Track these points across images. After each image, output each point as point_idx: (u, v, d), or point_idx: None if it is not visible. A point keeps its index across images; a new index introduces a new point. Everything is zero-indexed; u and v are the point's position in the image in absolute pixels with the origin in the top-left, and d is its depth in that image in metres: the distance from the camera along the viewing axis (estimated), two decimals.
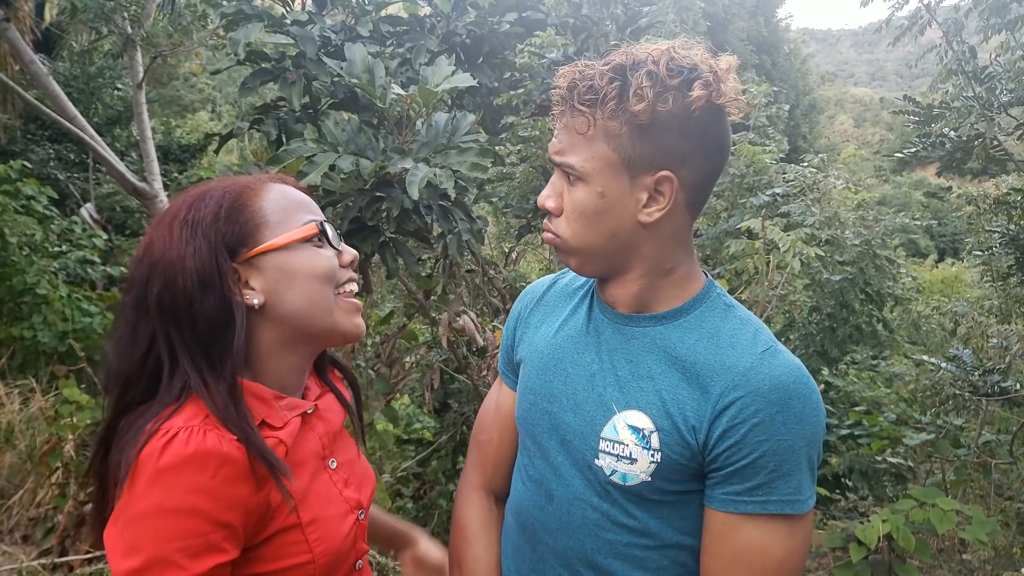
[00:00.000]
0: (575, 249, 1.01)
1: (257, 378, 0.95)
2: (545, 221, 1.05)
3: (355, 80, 2.47)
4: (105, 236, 7.25)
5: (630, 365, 1.02)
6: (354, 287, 1.00)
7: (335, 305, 0.96)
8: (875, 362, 6.89)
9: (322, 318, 0.96)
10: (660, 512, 1.01)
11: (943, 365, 5.37)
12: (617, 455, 1.00)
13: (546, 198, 1.03)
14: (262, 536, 0.88)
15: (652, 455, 0.98)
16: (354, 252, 1.00)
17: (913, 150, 4.89)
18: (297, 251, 0.94)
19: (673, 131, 0.95)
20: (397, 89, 2.51)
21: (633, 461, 0.99)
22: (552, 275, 1.25)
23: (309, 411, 1.00)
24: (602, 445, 1.01)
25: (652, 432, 0.98)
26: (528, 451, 1.14)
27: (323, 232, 0.96)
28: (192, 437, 0.82)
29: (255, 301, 0.92)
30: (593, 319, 1.10)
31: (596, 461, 1.02)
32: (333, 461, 1.02)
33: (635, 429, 0.99)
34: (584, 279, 1.16)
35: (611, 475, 1.01)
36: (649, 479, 0.99)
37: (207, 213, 0.91)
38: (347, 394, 1.15)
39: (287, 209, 0.95)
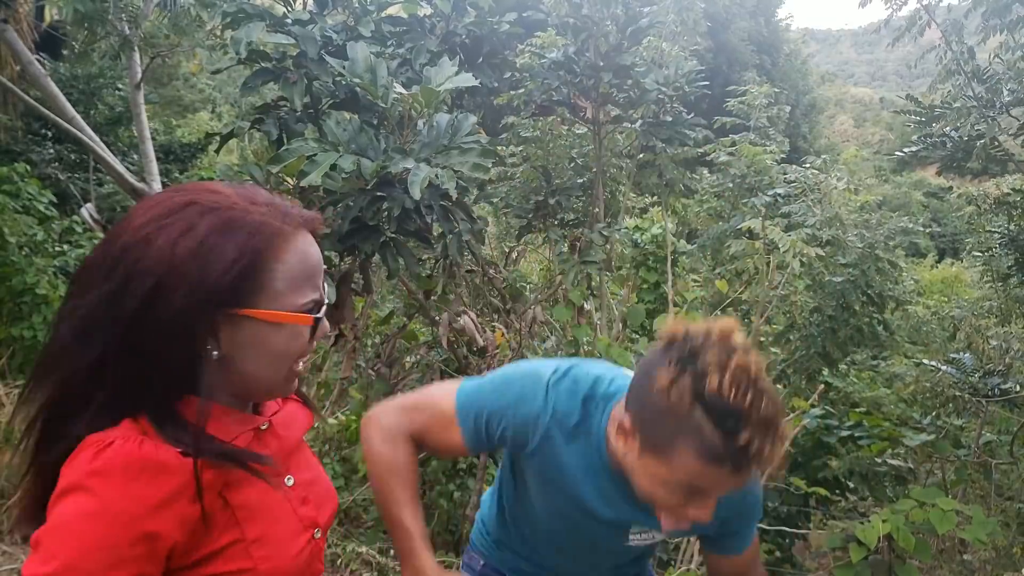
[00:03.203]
0: None
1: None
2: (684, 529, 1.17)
3: (357, 80, 2.47)
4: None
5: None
6: (306, 362, 0.97)
7: (282, 378, 0.93)
8: (875, 362, 6.89)
9: (263, 386, 0.94)
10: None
11: (943, 368, 5.37)
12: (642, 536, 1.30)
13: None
14: (202, 552, 0.85)
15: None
16: (327, 327, 0.96)
17: (914, 150, 4.89)
18: (280, 330, 0.89)
19: None
20: (399, 89, 2.52)
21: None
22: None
23: (263, 427, 0.97)
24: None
25: None
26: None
27: (316, 323, 0.91)
28: (127, 445, 0.80)
29: (213, 353, 0.87)
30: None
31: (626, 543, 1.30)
32: (290, 478, 0.98)
33: None
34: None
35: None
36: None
37: (223, 256, 0.83)
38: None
39: (296, 280, 0.89)
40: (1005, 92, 3.97)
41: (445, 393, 1.29)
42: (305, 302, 0.90)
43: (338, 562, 3.20)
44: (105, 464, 0.78)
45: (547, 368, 1.24)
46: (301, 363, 0.95)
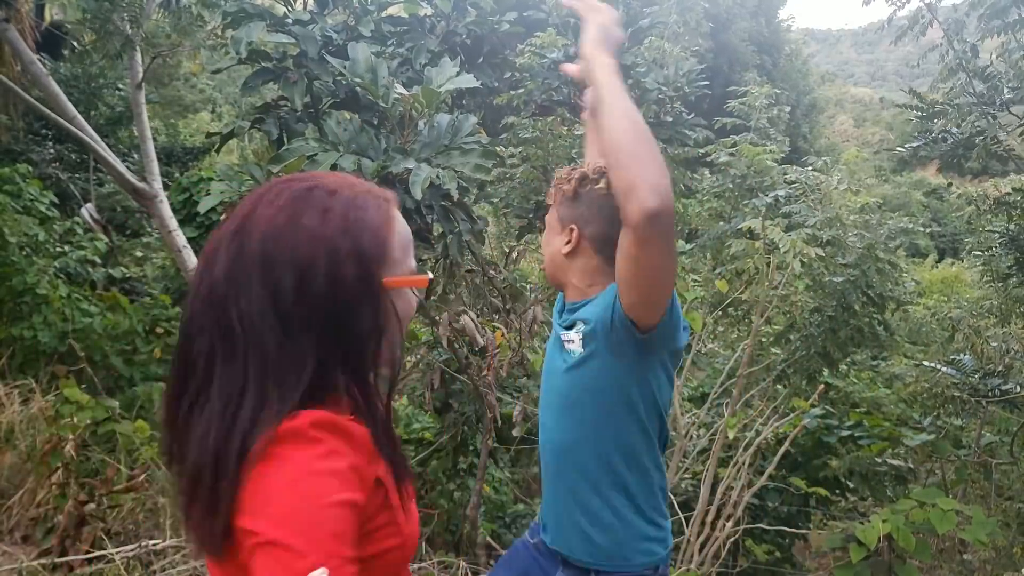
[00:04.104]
0: None
1: None
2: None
3: (358, 80, 2.47)
4: (106, 240, 7.26)
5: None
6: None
7: (399, 348, 0.95)
8: (875, 362, 6.89)
9: (392, 358, 0.95)
10: None
11: (943, 368, 5.37)
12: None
13: None
14: (368, 527, 0.82)
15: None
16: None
17: (914, 145, 4.88)
18: (404, 296, 0.92)
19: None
20: (400, 89, 2.52)
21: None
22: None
23: None
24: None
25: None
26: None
27: (429, 282, 0.95)
28: (319, 412, 0.79)
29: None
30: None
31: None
32: None
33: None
34: None
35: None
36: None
37: (369, 226, 0.85)
38: None
39: (405, 248, 0.91)
40: (1006, 90, 3.97)
41: None
42: (413, 267, 0.93)
43: None
44: (317, 418, 0.77)
45: None
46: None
